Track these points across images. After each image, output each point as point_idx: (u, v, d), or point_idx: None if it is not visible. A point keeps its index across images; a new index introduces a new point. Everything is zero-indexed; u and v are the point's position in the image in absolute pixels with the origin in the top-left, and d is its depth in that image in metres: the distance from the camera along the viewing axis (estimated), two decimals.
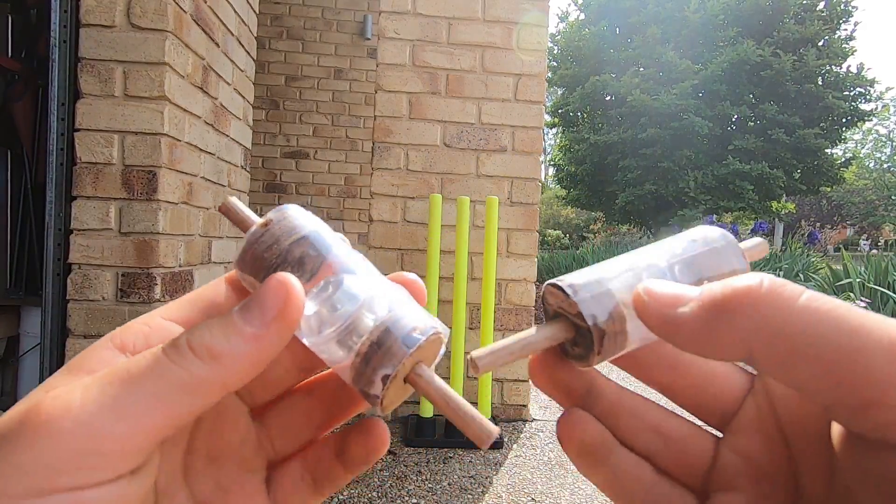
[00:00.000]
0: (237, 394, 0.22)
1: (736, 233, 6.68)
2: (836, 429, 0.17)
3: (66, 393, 0.16)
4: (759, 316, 0.16)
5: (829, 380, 0.15)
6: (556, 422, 0.21)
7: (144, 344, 0.19)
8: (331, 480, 0.23)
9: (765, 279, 0.16)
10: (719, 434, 0.22)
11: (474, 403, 2.16)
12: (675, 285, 0.19)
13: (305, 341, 0.20)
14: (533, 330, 0.20)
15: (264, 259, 0.20)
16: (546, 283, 0.21)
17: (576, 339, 0.20)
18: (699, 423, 0.22)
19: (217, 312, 0.21)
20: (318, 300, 0.20)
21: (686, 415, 0.23)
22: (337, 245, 0.21)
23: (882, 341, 0.14)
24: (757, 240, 0.23)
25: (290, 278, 0.19)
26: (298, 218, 0.21)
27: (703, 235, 0.22)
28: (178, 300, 0.21)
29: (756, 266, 5.19)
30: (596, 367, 0.21)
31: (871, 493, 0.15)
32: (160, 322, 0.20)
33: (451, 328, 2.16)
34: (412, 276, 0.23)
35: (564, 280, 0.20)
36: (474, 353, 0.19)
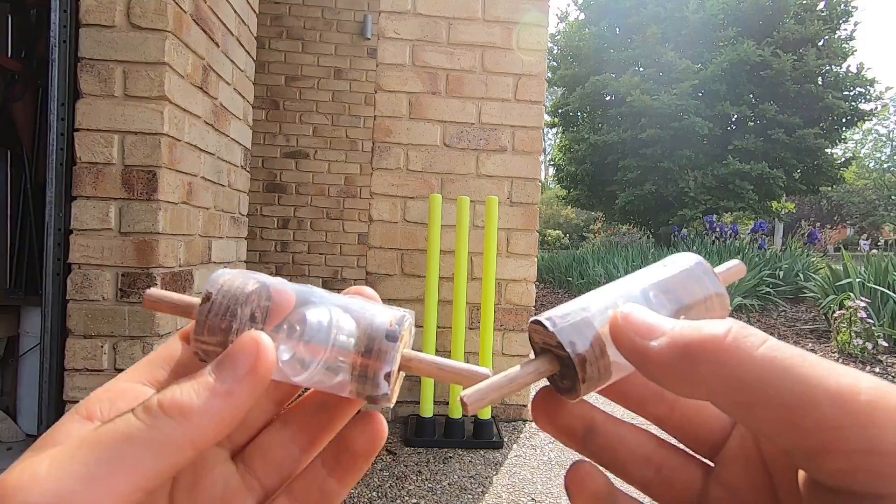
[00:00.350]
0: None
1: (736, 233, 6.68)
2: (801, 472, 0.18)
3: (33, 464, 0.16)
4: (719, 364, 0.16)
5: (783, 426, 0.15)
6: (565, 475, 0.22)
7: (110, 409, 0.19)
8: (325, 501, 0.23)
9: (733, 327, 0.17)
10: (710, 463, 0.22)
11: None
12: (652, 314, 0.19)
13: (296, 380, 0.21)
14: (519, 366, 0.21)
15: (222, 330, 0.21)
16: (529, 321, 0.22)
17: (562, 372, 0.21)
18: (691, 453, 0.23)
19: (179, 368, 0.22)
20: (291, 343, 0.21)
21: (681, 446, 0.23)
22: (279, 286, 0.22)
23: (830, 389, 0.15)
24: (733, 262, 0.24)
25: (261, 336, 0.19)
26: (234, 280, 0.21)
27: (675, 260, 0.23)
28: (137, 363, 0.22)
29: (755, 267, 5.19)
30: (590, 401, 0.22)
31: None
32: (123, 385, 0.20)
33: (451, 328, 2.16)
34: (367, 289, 0.24)
35: (544, 314, 0.21)
36: (463, 393, 0.20)
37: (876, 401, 0.14)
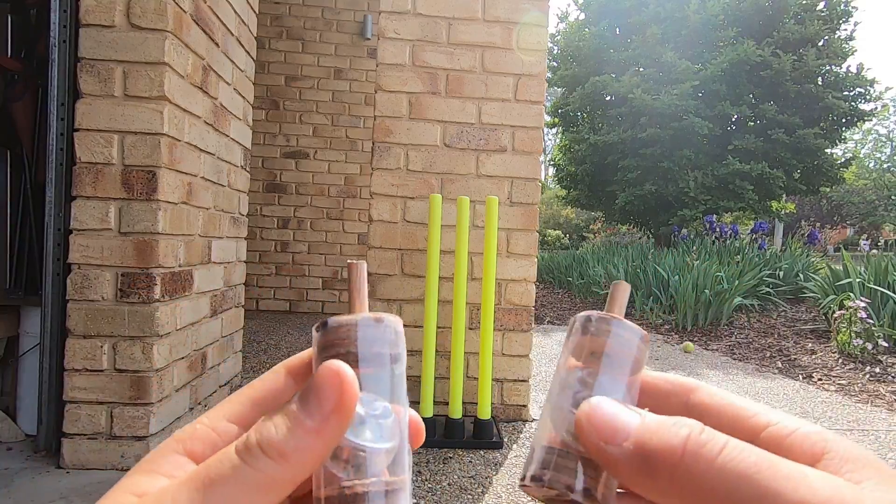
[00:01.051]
0: None
1: (736, 233, 6.68)
2: None
3: (158, 501, 0.17)
4: (677, 475, 0.17)
5: None
6: None
7: (213, 454, 0.20)
8: None
9: (691, 435, 0.17)
10: None
11: (474, 404, 2.16)
12: (613, 409, 0.19)
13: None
14: None
15: (336, 347, 0.20)
16: (519, 485, 0.22)
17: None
18: None
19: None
20: (360, 412, 0.20)
21: None
22: (397, 377, 0.21)
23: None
24: (613, 285, 0.24)
25: (343, 367, 0.19)
26: (396, 335, 0.21)
27: (584, 329, 0.23)
28: (241, 396, 0.22)
29: (755, 267, 5.18)
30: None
31: None
32: (226, 427, 0.21)
33: (451, 328, 2.16)
34: (417, 419, 0.23)
35: (528, 473, 0.21)
36: None
37: None
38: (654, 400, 0.22)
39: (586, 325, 0.22)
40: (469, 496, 1.60)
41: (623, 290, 0.24)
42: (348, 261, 0.23)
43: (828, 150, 9.99)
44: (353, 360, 0.20)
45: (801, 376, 3.19)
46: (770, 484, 0.15)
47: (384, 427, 0.20)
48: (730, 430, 0.20)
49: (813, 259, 5.91)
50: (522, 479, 0.21)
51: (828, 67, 9.64)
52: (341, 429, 0.19)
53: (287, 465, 0.18)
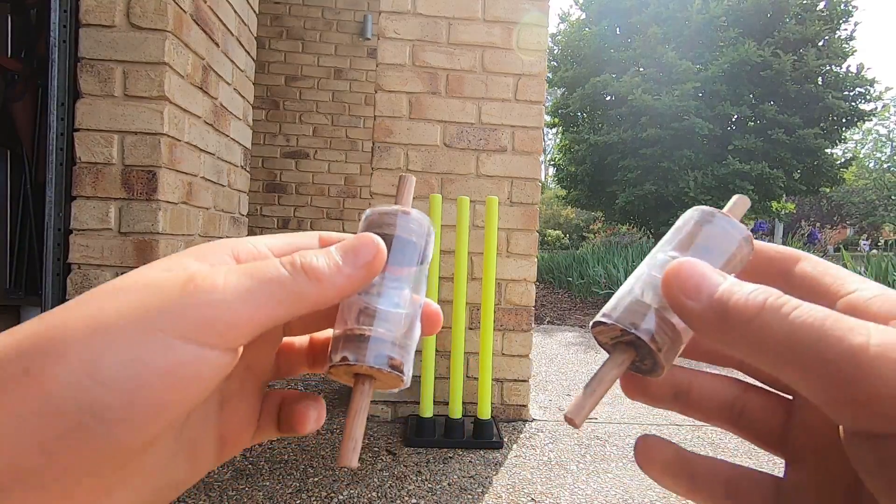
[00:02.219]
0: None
1: None
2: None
3: (213, 274, 0.20)
4: (749, 330, 0.18)
5: (806, 381, 0.17)
6: (634, 450, 0.24)
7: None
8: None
9: (769, 299, 0.18)
10: (790, 398, 0.24)
11: (474, 404, 2.16)
12: (701, 268, 0.20)
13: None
14: (602, 368, 0.22)
15: (380, 227, 0.25)
16: (591, 326, 0.23)
17: (641, 355, 0.22)
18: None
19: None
20: (383, 283, 0.24)
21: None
22: (412, 262, 0.25)
23: (844, 347, 0.16)
24: (735, 197, 0.25)
25: (380, 239, 0.24)
26: (416, 225, 0.25)
27: (688, 218, 0.24)
28: (281, 236, 0.26)
29: None
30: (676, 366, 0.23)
31: (872, 481, 0.17)
32: (265, 252, 0.25)
33: (451, 328, 2.16)
34: (435, 308, 0.26)
35: (598, 315, 0.22)
36: (568, 413, 0.21)
37: (882, 353, 0.16)
38: (756, 265, 0.24)
39: (691, 216, 0.24)
40: (469, 496, 1.60)
41: (742, 205, 0.25)
42: (400, 174, 0.26)
43: (828, 150, 9.99)
44: (389, 240, 0.24)
45: None
46: (831, 331, 0.16)
47: (397, 296, 0.24)
48: (819, 297, 0.20)
49: None
50: (593, 325, 0.22)
51: (828, 67, 9.65)
52: (366, 280, 0.23)
53: (319, 287, 0.22)
